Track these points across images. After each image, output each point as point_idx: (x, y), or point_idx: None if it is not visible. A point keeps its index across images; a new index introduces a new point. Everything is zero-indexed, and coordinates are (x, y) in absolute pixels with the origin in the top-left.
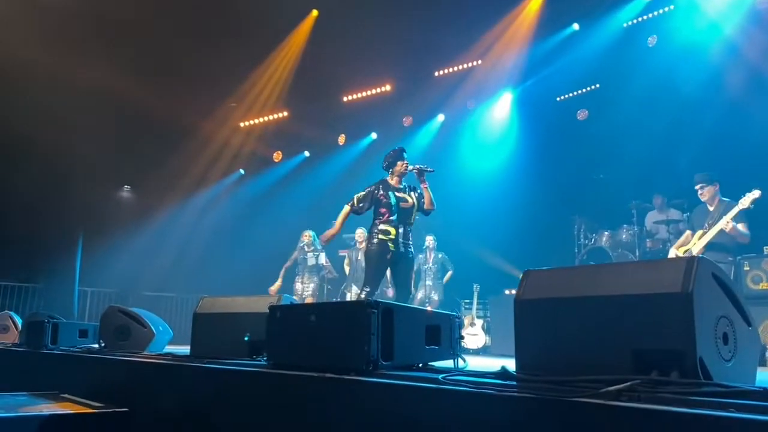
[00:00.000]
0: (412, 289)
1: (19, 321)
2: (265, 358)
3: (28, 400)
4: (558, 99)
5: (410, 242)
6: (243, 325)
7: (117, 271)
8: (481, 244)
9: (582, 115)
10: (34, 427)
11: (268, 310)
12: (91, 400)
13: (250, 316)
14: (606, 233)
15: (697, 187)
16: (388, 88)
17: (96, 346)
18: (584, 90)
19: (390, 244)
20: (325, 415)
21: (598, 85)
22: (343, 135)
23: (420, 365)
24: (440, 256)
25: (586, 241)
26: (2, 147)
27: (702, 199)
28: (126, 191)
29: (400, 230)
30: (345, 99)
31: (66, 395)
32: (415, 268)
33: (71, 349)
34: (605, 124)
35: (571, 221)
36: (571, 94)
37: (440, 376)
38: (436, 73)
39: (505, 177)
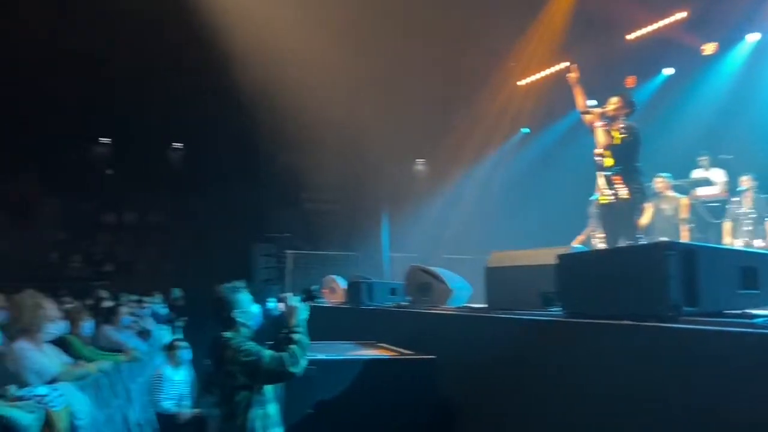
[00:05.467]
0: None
1: (341, 283)
2: (558, 309)
3: (353, 346)
4: None
5: (616, 185)
6: (533, 277)
7: (418, 237)
8: None
9: None
10: (359, 367)
11: (557, 261)
12: (401, 347)
13: (539, 268)
14: None
15: None
16: (683, 15)
17: (404, 302)
18: None
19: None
20: (624, 362)
21: None
22: (633, 77)
23: (734, 312)
24: (761, 198)
25: None
26: (311, 141)
27: None
28: (420, 164)
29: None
30: (630, 37)
31: (382, 344)
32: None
33: (384, 304)
34: None
35: None
36: None
37: (758, 320)
38: None
39: None
